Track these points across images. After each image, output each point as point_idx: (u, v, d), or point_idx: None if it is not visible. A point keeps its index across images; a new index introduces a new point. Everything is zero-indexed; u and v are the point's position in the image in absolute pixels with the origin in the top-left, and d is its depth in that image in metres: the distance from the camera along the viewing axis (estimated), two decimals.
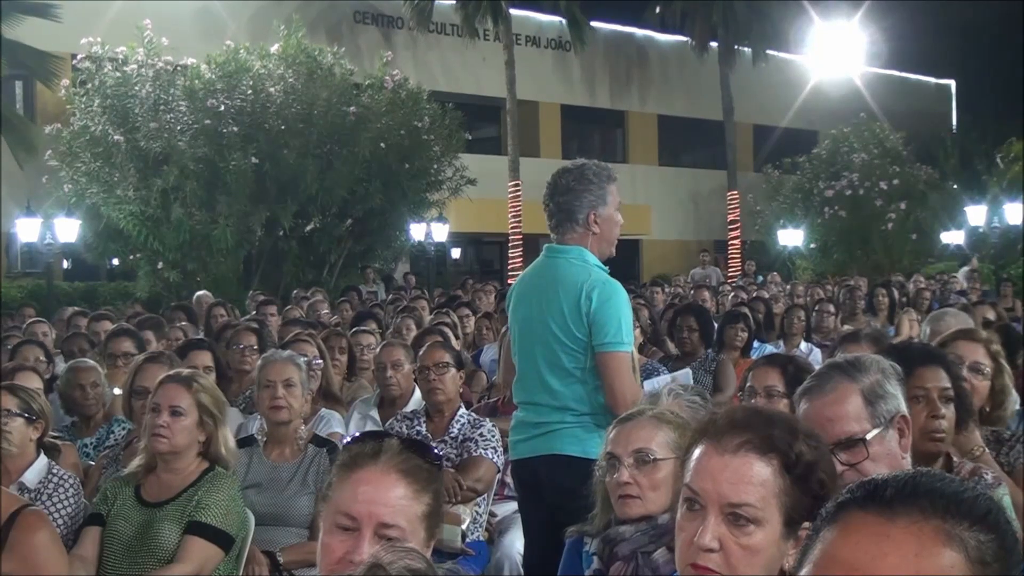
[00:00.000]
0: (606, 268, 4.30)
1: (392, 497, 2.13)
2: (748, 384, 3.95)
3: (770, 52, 28.96)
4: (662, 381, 5.20)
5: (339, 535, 2.12)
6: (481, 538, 5.06)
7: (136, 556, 3.81)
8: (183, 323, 9.16)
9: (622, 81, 31.24)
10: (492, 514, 5.30)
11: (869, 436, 2.47)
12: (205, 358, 5.94)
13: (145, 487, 3.93)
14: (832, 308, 10.24)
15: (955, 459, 3.15)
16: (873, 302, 10.97)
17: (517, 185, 24.32)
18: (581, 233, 4.26)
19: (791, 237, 27.33)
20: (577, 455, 3.99)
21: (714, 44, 28.79)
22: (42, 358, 6.81)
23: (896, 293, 11.59)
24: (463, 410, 5.29)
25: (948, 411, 3.15)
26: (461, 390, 5.66)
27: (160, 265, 18.02)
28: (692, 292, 13.77)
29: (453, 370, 5.25)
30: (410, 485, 2.15)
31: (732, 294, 13.53)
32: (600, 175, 4.28)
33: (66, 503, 4.14)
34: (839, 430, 2.47)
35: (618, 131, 32.10)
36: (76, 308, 12.41)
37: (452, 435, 5.09)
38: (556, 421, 4.15)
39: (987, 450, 3.50)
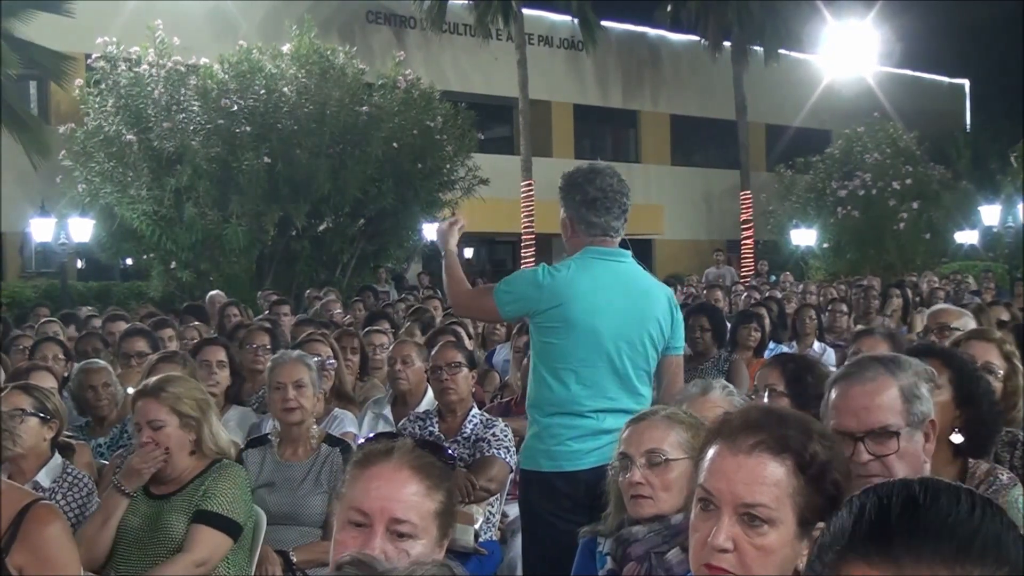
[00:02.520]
0: None
1: (404, 493, 2.14)
2: (755, 383, 3.96)
3: (783, 52, 28.82)
4: None
5: (351, 531, 2.13)
6: (494, 538, 5.06)
7: (146, 548, 3.83)
8: (195, 323, 9.18)
9: (634, 81, 31.19)
10: (504, 514, 5.30)
11: (903, 432, 2.46)
12: (219, 353, 5.96)
13: (153, 480, 3.94)
14: (845, 308, 10.21)
15: (969, 461, 3.13)
16: (885, 302, 10.92)
17: (529, 185, 24.30)
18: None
19: (804, 237, 27.27)
20: None
21: (727, 44, 28.71)
22: (60, 356, 6.84)
23: (909, 293, 11.54)
24: (476, 410, 5.28)
25: None
26: (474, 390, 5.66)
27: (173, 265, 18.05)
28: (705, 292, 13.72)
29: (465, 370, 5.25)
30: (422, 482, 2.16)
31: (745, 294, 13.48)
32: None
33: (80, 502, 4.16)
34: (874, 419, 2.43)
35: (630, 131, 32.05)
36: (89, 308, 12.46)
37: (465, 435, 5.09)
38: None
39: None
